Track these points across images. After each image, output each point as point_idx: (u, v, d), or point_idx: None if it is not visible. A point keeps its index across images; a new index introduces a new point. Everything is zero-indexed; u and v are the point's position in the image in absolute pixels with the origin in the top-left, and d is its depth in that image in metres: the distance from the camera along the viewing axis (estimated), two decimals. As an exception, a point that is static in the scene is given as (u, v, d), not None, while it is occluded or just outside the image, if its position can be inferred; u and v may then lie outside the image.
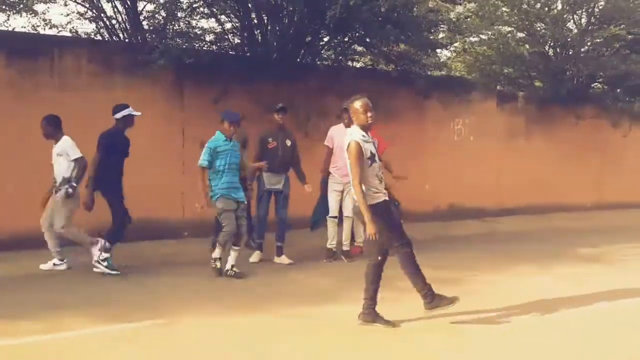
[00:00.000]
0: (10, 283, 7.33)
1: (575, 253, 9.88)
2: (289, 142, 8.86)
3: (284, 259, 8.63)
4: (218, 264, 7.72)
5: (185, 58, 9.56)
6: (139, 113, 8.14)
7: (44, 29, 10.76)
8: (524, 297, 6.85)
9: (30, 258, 8.27)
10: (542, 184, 14.87)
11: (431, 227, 12.23)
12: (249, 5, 10.50)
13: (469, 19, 12.97)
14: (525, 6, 14.04)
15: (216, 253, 7.77)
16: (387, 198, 5.68)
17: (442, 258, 9.18)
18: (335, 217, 9.05)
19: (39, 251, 8.18)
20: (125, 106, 8.08)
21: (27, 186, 8.73)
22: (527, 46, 15.16)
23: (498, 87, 15.37)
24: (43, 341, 5.17)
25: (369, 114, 5.56)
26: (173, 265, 8.35)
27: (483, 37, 14.73)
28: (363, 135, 5.59)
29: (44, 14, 10.63)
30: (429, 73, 12.90)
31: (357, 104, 5.60)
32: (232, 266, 7.70)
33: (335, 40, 11.64)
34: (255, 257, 8.75)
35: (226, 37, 11.65)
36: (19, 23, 22.86)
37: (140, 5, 10.81)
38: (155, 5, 10.91)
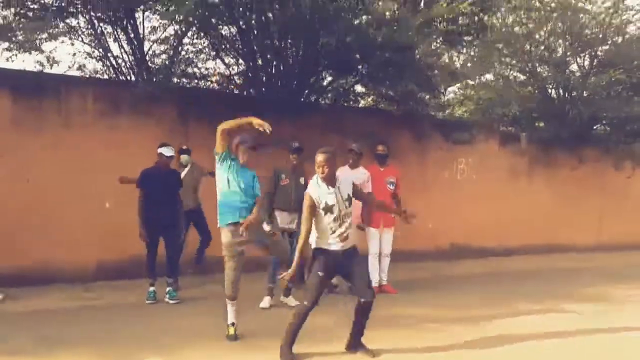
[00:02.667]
0: (9, 318, 7.35)
1: (577, 293, 9.85)
2: (302, 181, 8.53)
3: (291, 300, 8.28)
4: (231, 331, 6.64)
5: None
6: (168, 154, 8.49)
7: (50, 68, 10.97)
8: (525, 335, 6.88)
9: (31, 293, 8.35)
10: (545, 224, 14.90)
11: (433, 266, 12.27)
12: (254, 47, 10.66)
13: (469, 65, 13.17)
14: (527, 48, 14.26)
15: (229, 315, 6.69)
16: (336, 249, 5.83)
17: (443, 297, 9.22)
18: None
19: (37, 287, 8.29)
20: (163, 145, 8.60)
21: (31, 222, 8.80)
22: (529, 88, 15.30)
23: (500, 128, 15.47)
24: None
25: (323, 169, 5.69)
26: (176, 302, 8.38)
27: (484, 80, 14.92)
28: (319, 186, 5.76)
29: (51, 52, 10.86)
30: (431, 114, 13.01)
31: (316, 158, 5.75)
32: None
33: (339, 81, 11.78)
34: (265, 302, 8.32)
35: (231, 78, 11.81)
36: (27, 61, 23.33)
37: (146, 45, 11.00)
38: (161, 45, 11.15)
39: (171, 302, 8.39)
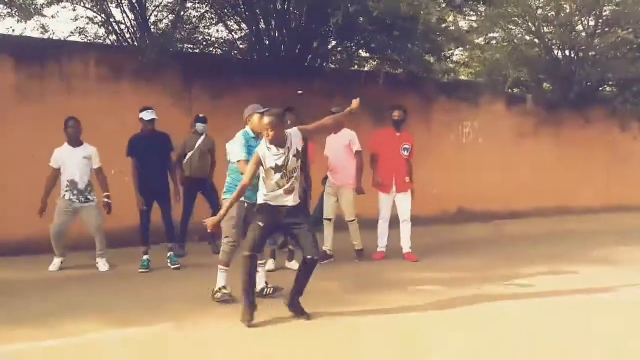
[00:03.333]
0: (23, 287, 7.40)
1: (586, 255, 9.85)
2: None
3: (294, 264, 8.28)
4: (219, 295, 6.58)
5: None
6: (147, 118, 8.26)
7: (53, 34, 10.91)
8: (536, 296, 6.89)
9: (38, 262, 8.39)
10: (551, 186, 14.87)
11: (440, 231, 12.23)
12: (257, 11, 10.56)
13: (476, 25, 13.00)
14: (534, 8, 14.09)
15: (220, 280, 6.59)
16: (279, 205, 5.82)
17: (451, 261, 9.20)
18: (329, 219, 9.06)
19: (45, 256, 8.35)
20: (143, 109, 8.39)
21: (35, 192, 8.80)
22: (536, 49, 15.15)
23: (506, 90, 15.36)
24: (53, 347, 5.18)
25: (268, 132, 5.60)
26: (184, 268, 8.44)
27: (492, 41, 14.77)
28: (269, 148, 5.70)
29: (53, 17, 10.78)
30: (436, 77, 12.86)
31: (264, 120, 5.66)
32: (267, 283, 6.83)
33: (342, 47, 11.68)
34: (270, 264, 8.27)
35: (235, 43, 11.73)
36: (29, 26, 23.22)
37: (149, 11, 10.90)
38: (163, 10, 11.06)
39: (172, 267, 8.41)
